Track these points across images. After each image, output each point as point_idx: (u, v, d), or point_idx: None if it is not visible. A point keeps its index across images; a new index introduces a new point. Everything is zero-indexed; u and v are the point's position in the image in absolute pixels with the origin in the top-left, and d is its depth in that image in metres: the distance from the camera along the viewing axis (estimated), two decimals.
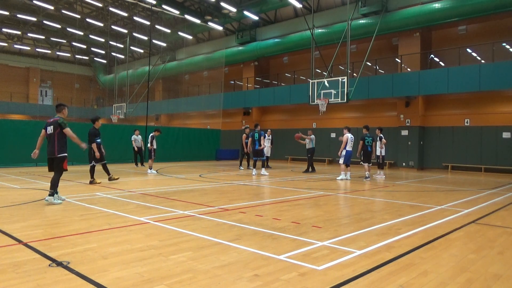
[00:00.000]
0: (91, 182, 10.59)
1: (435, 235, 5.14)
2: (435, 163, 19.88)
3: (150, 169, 14.45)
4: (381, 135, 14.38)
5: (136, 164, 17.95)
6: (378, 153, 14.42)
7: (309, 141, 16.08)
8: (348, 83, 17.16)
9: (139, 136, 17.83)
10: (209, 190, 9.74)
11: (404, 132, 20.19)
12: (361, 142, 13.62)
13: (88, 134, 10.43)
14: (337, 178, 13.20)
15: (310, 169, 16.14)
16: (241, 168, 17.71)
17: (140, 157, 17.97)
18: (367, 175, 13.28)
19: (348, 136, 13.06)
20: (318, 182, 12.23)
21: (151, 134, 14.63)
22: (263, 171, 14.69)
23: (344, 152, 13.03)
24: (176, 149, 22.70)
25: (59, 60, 41.88)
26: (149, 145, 14.49)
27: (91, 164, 10.65)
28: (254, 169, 14.37)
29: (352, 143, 13.15)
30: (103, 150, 10.81)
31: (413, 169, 19.56)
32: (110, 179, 10.89)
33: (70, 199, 7.62)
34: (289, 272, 3.53)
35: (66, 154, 7.35)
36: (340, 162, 13.26)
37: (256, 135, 14.52)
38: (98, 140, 10.51)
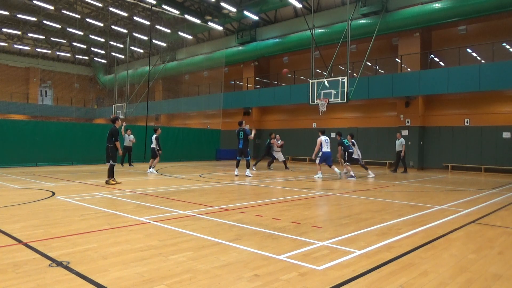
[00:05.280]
0: (107, 182, 10.35)
1: (435, 235, 5.14)
2: (435, 163, 19.87)
3: (150, 168, 14.48)
4: (353, 140, 14.93)
5: (122, 164, 17.38)
6: (356, 156, 14.89)
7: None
8: (348, 83, 17.15)
9: (131, 136, 17.46)
10: (209, 190, 9.74)
11: (404, 132, 20.18)
12: (339, 147, 14.34)
13: (110, 133, 10.33)
14: (315, 176, 13.74)
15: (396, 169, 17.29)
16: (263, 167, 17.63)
17: (128, 157, 17.50)
18: (352, 174, 13.83)
19: (322, 138, 13.51)
20: (319, 182, 12.24)
21: (156, 136, 14.65)
22: (248, 172, 13.79)
23: (320, 154, 13.60)
24: (176, 149, 22.70)
25: (59, 60, 41.88)
26: (153, 145, 14.54)
27: (111, 164, 10.40)
28: (236, 169, 13.86)
29: (328, 144, 13.55)
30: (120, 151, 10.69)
31: (413, 169, 19.55)
32: (107, 182, 10.43)
33: (70, 199, 7.62)
34: (289, 272, 3.53)
35: None
36: (316, 162, 13.94)
37: (241, 133, 13.73)
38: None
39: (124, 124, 17.79)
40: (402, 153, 16.59)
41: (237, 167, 13.97)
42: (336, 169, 13.76)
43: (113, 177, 10.48)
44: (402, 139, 16.82)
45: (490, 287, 3.32)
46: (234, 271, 3.55)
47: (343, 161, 14.39)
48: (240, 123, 14.10)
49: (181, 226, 5.37)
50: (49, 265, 3.60)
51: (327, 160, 13.50)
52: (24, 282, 3.18)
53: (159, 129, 15.24)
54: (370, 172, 14.63)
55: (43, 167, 16.34)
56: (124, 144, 16.95)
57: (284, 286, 3.21)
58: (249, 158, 14.20)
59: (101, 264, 3.68)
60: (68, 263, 3.66)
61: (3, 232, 4.85)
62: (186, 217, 6.06)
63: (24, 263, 3.66)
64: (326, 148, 13.43)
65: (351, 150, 14.21)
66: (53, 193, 8.41)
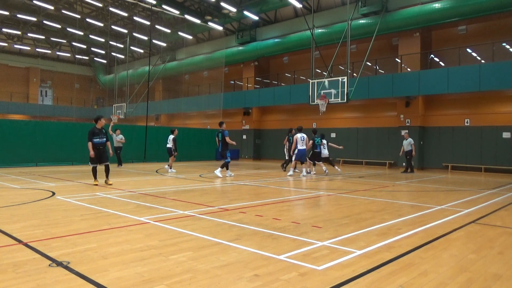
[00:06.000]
0: (105, 182, 10.38)
1: (435, 235, 5.14)
2: (435, 163, 19.88)
3: (170, 168, 15.21)
4: (323, 140, 15.42)
5: (121, 164, 17.20)
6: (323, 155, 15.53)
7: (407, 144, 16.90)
8: (348, 83, 17.16)
9: (120, 136, 17.16)
10: (209, 190, 9.74)
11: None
12: (310, 142, 14.88)
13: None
14: (289, 173, 14.41)
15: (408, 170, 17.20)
16: (285, 170, 16.63)
17: (117, 156, 17.13)
18: (308, 171, 14.47)
19: (298, 136, 14.09)
20: (318, 182, 12.24)
21: (173, 137, 15.19)
22: (222, 172, 13.57)
23: (296, 151, 14.13)
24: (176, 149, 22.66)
25: (59, 60, 41.87)
26: (170, 145, 15.15)
27: (106, 164, 10.34)
28: (228, 171, 13.69)
29: (303, 142, 14.12)
30: (110, 151, 10.55)
31: None
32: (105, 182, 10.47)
33: (70, 199, 7.62)
34: (289, 272, 3.53)
35: None
36: (293, 159, 14.54)
37: (220, 135, 13.28)
38: (95, 140, 10.08)
39: (112, 123, 17.71)
40: (413, 153, 16.67)
41: (227, 169, 13.76)
42: (304, 168, 14.40)
43: (95, 178, 10.34)
44: (410, 139, 16.81)
45: (490, 287, 3.32)
46: (234, 271, 3.55)
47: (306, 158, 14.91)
48: (220, 124, 13.66)
49: (181, 226, 5.37)
50: (49, 265, 3.60)
51: (302, 157, 14.19)
52: (24, 282, 3.18)
53: (176, 130, 15.63)
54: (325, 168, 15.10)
55: (43, 167, 16.34)
56: (113, 145, 16.48)
57: (284, 286, 3.21)
58: (229, 160, 13.60)
59: (101, 264, 3.68)
60: (68, 263, 3.66)
61: (3, 232, 4.85)
62: (186, 217, 6.06)
63: (24, 263, 3.66)
64: (302, 146, 14.04)
65: (317, 150, 14.78)
66: (53, 193, 8.41)
